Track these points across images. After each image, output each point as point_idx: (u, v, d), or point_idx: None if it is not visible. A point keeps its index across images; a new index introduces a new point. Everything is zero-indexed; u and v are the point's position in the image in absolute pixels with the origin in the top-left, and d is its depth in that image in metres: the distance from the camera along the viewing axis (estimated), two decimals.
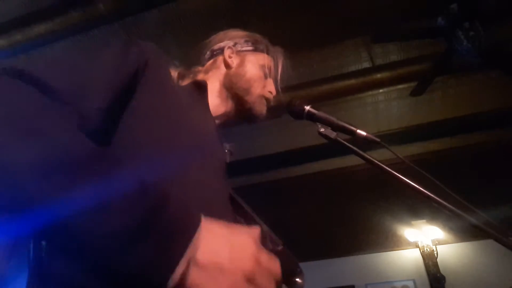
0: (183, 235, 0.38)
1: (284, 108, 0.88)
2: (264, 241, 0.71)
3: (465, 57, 2.29)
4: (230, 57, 0.86)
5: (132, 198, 0.38)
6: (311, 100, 0.84)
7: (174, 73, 0.83)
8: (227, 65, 0.86)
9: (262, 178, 4.36)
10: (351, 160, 3.96)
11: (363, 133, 0.77)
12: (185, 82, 0.84)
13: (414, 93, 2.78)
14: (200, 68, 0.88)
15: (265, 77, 0.87)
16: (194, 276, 0.37)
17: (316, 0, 2.43)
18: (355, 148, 0.74)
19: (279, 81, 0.92)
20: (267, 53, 0.89)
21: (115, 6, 2.21)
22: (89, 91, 0.50)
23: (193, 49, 0.94)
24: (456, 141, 3.83)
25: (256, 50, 0.88)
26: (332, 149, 3.66)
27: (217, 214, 0.49)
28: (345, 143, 0.76)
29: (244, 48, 0.87)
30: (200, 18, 2.50)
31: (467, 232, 3.48)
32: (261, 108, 0.86)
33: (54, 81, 0.46)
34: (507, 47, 2.38)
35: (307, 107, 0.83)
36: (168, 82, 0.64)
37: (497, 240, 0.59)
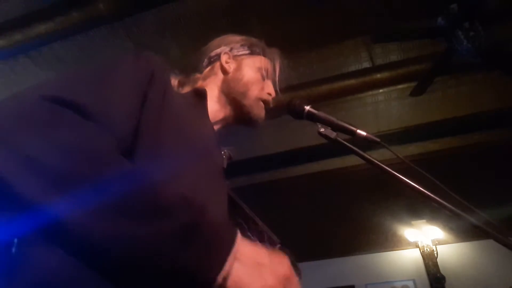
0: (226, 238, 0.43)
1: (284, 108, 0.88)
2: (262, 240, 0.72)
3: (465, 57, 2.29)
4: (227, 62, 0.87)
5: (175, 208, 0.42)
6: (311, 100, 0.84)
7: (174, 81, 0.84)
8: (224, 71, 0.86)
9: (262, 178, 4.35)
10: (351, 160, 3.96)
11: (363, 133, 0.77)
12: (185, 89, 0.85)
13: (414, 93, 2.79)
14: (198, 75, 0.89)
15: (263, 79, 0.88)
16: (240, 271, 0.41)
17: (316, 0, 2.43)
18: (355, 148, 0.74)
19: (277, 82, 0.93)
20: (264, 55, 0.89)
21: (115, 6, 2.21)
22: (116, 114, 0.51)
23: (193, 55, 0.94)
24: (456, 141, 3.83)
25: (252, 53, 0.89)
26: (332, 149, 3.66)
27: (222, 214, 0.56)
28: (345, 143, 0.76)
29: (241, 52, 0.88)
30: (200, 18, 2.50)
31: (467, 232, 3.47)
32: (259, 112, 0.86)
33: (89, 105, 0.47)
34: (507, 47, 2.38)
35: (307, 107, 0.83)
36: (170, 93, 0.65)
37: (497, 240, 0.59)
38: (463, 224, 0.64)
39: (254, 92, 0.85)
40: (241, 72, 0.86)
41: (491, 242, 0.60)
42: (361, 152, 0.73)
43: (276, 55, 0.92)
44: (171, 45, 2.69)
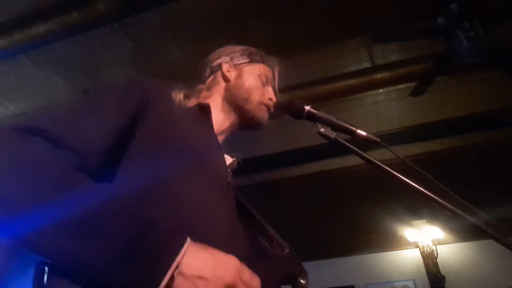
0: (168, 254, 0.45)
1: (284, 108, 0.88)
2: (271, 244, 0.75)
3: (465, 57, 2.29)
4: (228, 71, 0.90)
5: (121, 225, 0.46)
6: (311, 100, 0.84)
7: (179, 96, 0.87)
8: (226, 79, 0.90)
9: (262, 178, 4.35)
10: (351, 160, 3.96)
11: (363, 133, 0.77)
12: (191, 102, 0.89)
13: (414, 93, 2.79)
14: (202, 86, 0.92)
15: (263, 85, 0.92)
16: (179, 285, 0.44)
17: (316, 0, 2.43)
18: (355, 148, 0.74)
19: (277, 88, 0.97)
20: (263, 63, 0.94)
21: (115, 6, 2.21)
22: (88, 137, 0.56)
23: (196, 62, 0.98)
24: (456, 141, 3.83)
25: (252, 61, 0.93)
26: (332, 149, 3.66)
27: (220, 229, 0.60)
28: (345, 143, 0.76)
29: (241, 61, 0.92)
30: (200, 18, 2.50)
31: (467, 232, 3.48)
32: (262, 114, 0.90)
33: (57, 131, 0.53)
34: (507, 47, 2.38)
35: (307, 107, 0.83)
36: (171, 113, 0.69)
37: (497, 240, 0.59)
38: (463, 224, 0.64)
39: (256, 97, 0.88)
40: (242, 79, 0.89)
41: (491, 242, 0.60)
42: (361, 152, 0.73)
43: (274, 62, 0.97)
44: (171, 45, 2.69)
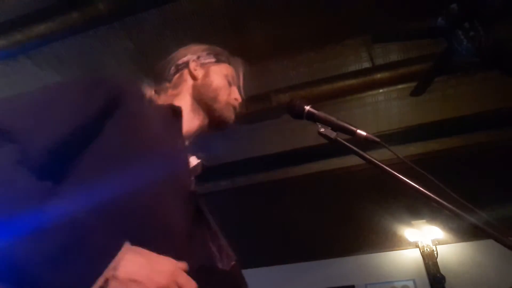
0: (103, 258, 0.45)
1: (284, 108, 0.88)
2: (220, 253, 0.74)
3: (465, 57, 2.29)
4: (195, 69, 0.91)
5: (58, 228, 0.45)
6: (311, 100, 0.84)
7: (150, 93, 0.88)
8: (194, 77, 0.90)
9: (262, 178, 4.35)
10: (351, 160, 3.96)
11: (363, 133, 0.77)
12: (161, 99, 0.88)
13: (414, 93, 2.78)
14: (168, 84, 0.92)
15: (229, 85, 0.92)
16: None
17: (316, 0, 2.43)
18: (355, 148, 0.74)
19: (242, 89, 0.98)
20: (229, 63, 0.95)
21: (115, 6, 2.21)
22: (38, 132, 0.55)
23: (157, 65, 0.99)
24: (456, 141, 3.83)
25: (218, 61, 0.93)
26: (332, 149, 3.66)
27: (176, 239, 0.60)
28: (345, 143, 0.76)
29: (207, 60, 0.92)
30: (200, 18, 2.50)
31: (467, 232, 3.48)
32: (229, 114, 0.90)
33: (5, 122, 0.53)
34: (507, 47, 2.38)
35: (307, 107, 0.82)
36: (141, 113, 0.68)
37: (497, 240, 0.59)
38: (463, 224, 0.64)
39: (224, 96, 0.89)
40: (210, 79, 0.90)
41: (491, 242, 0.60)
42: (361, 152, 0.73)
43: (239, 63, 0.98)
44: (171, 45, 2.69)
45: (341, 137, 0.78)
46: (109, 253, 0.46)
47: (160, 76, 0.93)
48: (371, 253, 3.82)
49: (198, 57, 0.92)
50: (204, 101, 0.88)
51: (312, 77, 3.07)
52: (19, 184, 0.48)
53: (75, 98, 0.61)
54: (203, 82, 0.89)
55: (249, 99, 3.10)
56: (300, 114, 0.83)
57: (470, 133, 3.71)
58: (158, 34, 2.60)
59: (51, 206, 0.47)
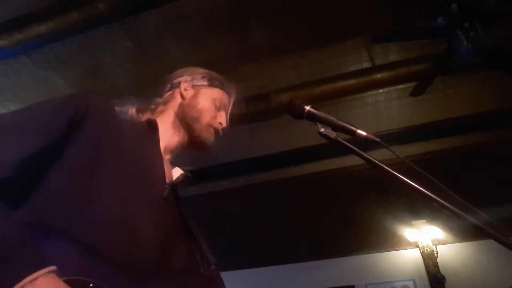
0: (17, 271, 0.46)
1: (284, 108, 0.88)
2: (202, 258, 0.77)
3: (465, 57, 2.29)
4: (186, 89, 0.94)
5: None
6: (311, 100, 0.83)
7: (131, 110, 0.92)
8: (182, 97, 0.94)
9: (262, 178, 4.35)
10: (351, 160, 3.96)
11: (363, 133, 0.77)
12: (145, 116, 0.92)
13: (414, 93, 2.78)
14: (159, 100, 0.96)
15: (217, 109, 0.94)
16: None
17: (316, 0, 2.43)
18: (355, 148, 0.74)
19: (229, 115, 1.00)
20: (221, 89, 0.97)
21: (115, 6, 2.21)
22: (1, 149, 0.58)
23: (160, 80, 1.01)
24: (456, 141, 3.83)
25: (211, 85, 0.96)
26: (332, 149, 3.66)
27: (143, 246, 0.62)
28: (345, 143, 0.76)
29: (200, 83, 0.95)
30: (200, 18, 2.50)
31: (467, 232, 3.47)
32: (208, 136, 0.92)
33: None
34: (507, 47, 2.38)
35: (307, 107, 0.82)
36: (111, 130, 0.70)
37: (497, 240, 0.59)
38: (463, 224, 0.64)
39: (206, 119, 0.91)
40: (197, 100, 0.92)
41: (491, 242, 0.60)
42: (361, 152, 0.73)
43: (233, 90, 1.00)
44: (171, 45, 2.69)
45: (341, 137, 0.77)
46: (24, 270, 0.46)
47: (158, 92, 0.97)
48: (371, 253, 3.82)
49: (192, 79, 0.96)
50: (185, 120, 0.90)
51: (312, 77, 3.07)
52: None
53: (42, 115, 0.64)
54: (190, 102, 0.92)
55: (249, 99, 3.11)
56: (300, 114, 0.83)
57: (470, 133, 3.71)
58: (158, 34, 2.60)
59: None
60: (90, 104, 0.68)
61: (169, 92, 0.96)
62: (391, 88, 3.10)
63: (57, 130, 0.63)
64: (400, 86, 3.05)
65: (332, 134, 0.77)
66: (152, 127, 0.83)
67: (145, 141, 0.79)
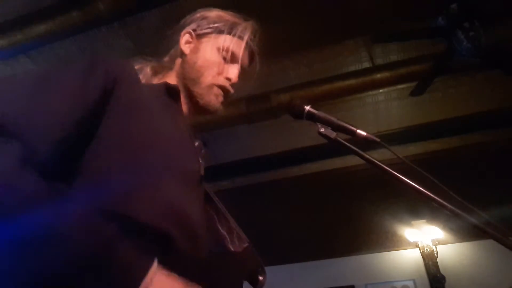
0: (136, 272, 0.40)
1: (284, 108, 0.87)
2: (231, 235, 0.71)
3: (465, 57, 2.29)
4: (188, 41, 0.79)
5: (73, 240, 0.38)
6: (311, 100, 0.83)
7: (146, 70, 0.79)
8: (182, 53, 0.79)
9: (262, 178, 4.35)
10: (351, 160, 3.95)
11: (363, 133, 0.77)
12: (158, 77, 0.79)
13: (414, 93, 2.79)
14: (166, 58, 0.82)
15: (225, 61, 0.77)
16: None
17: (316, 0, 2.43)
18: (355, 148, 0.74)
19: (247, 62, 0.83)
20: (230, 34, 0.78)
21: (115, 6, 2.21)
22: (39, 124, 0.48)
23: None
24: (456, 141, 3.83)
25: (215, 31, 0.78)
26: (332, 149, 3.66)
27: (197, 228, 0.54)
28: (345, 143, 0.76)
29: (204, 31, 0.79)
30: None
31: (467, 232, 3.47)
32: (210, 99, 0.76)
33: (3, 115, 0.45)
34: (507, 47, 2.38)
35: (307, 107, 0.82)
36: (140, 100, 0.61)
37: (497, 240, 0.59)
38: (463, 224, 0.64)
39: (207, 78, 0.75)
40: (197, 55, 0.77)
41: (491, 242, 0.60)
42: (361, 152, 0.73)
43: (247, 30, 0.80)
44: (171, 45, 2.69)
45: (341, 137, 0.78)
46: (137, 276, 0.39)
47: (166, 47, 0.83)
48: (371, 253, 3.82)
49: (197, 27, 0.79)
50: (185, 82, 0.76)
51: (312, 77, 3.07)
52: (25, 185, 0.40)
53: (73, 84, 0.54)
54: (189, 59, 0.77)
55: (249, 99, 3.11)
56: (300, 114, 0.83)
57: (470, 133, 3.71)
58: (158, 34, 2.60)
59: (64, 213, 0.40)
60: (118, 70, 0.58)
61: (173, 49, 0.82)
62: (391, 88, 3.10)
63: (93, 101, 0.53)
64: (400, 86, 3.05)
65: (332, 134, 0.77)
66: (173, 95, 0.70)
67: (170, 112, 0.68)
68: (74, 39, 2.55)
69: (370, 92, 3.15)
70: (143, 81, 0.72)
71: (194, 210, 0.58)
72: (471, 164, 3.79)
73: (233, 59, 0.78)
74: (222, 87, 0.77)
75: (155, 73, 0.80)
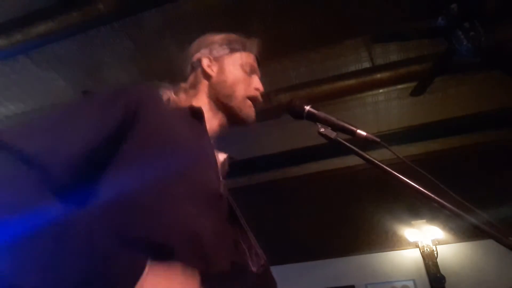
0: (125, 282, 0.44)
1: (284, 108, 0.87)
2: (250, 251, 0.73)
3: (465, 57, 2.29)
4: (208, 66, 0.85)
5: (79, 252, 0.44)
6: (311, 100, 0.83)
7: (170, 95, 0.84)
8: (208, 76, 0.85)
9: (262, 178, 4.35)
10: (351, 160, 3.96)
11: (363, 133, 0.77)
12: (181, 100, 0.84)
13: (414, 93, 2.78)
14: (185, 85, 0.88)
15: (248, 75, 0.86)
16: None
17: (316, 0, 2.43)
18: (355, 148, 0.74)
19: (259, 74, 0.91)
20: (244, 51, 0.88)
21: (115, 6, 2.21)
22: (59, 153, 0.52)
23: (178, 61, 0.93)
24: (456, 141, 3.83)
25: (232, 51, 0.87)
26: (332, 149, 3.66)
27: (205, 240, 0.56)
28: (345, 143, 0.76)
29: (221, 53, 0.86)
30: (200, 18, 2.50)
31: (467, 232, 3.48)
32: (247, 111, 0.85)
33: (24, 144, 0.51)
34: (507, 47, 2.38)
35: (307, 107, 0.82)
36: (163, 123, 0.65)
37: (497, 240, 0.59)
38: (463, 224, 0.64)
39: (241, 92, 0.84)
40: (225, 74, 0.84)
41: (491, 242, 0.60)
42: (361, 152, 0.73)
43: (254, 45, 0.90)
44: (171, 45, 2.69)
45: (341, 137, 0.77)
46: (132, 277, 0.44)
47: (180, 76, 0.90)
48: (371, 253, 3.82)
49: (211, 51, 0.86)
50: (220, 100, 0.83)
51: (312, 77, 3.07)
52: (40, 207, 0.45)
53: (93, 112, 0.59)
54: (218, 79, 0.84)
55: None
56: (300, 114, 0.83)
57: (470, 133, 3.71)
58: (158, 34, 2.60)
59: (72, 228, 0.45)
60: (139, 100, 0.63)
61: (192, 75, 0.87)
62: (391, 88, 3.10)
63: (106, 132, 0.58)
64: (400, 86, 3.05)
65: (332, 134, 0.77)
66: (198, 115, 0.75)
67: (194, 132, 0.72)
68: (74, 39, 2.55)
69: (370, 92, 3.15)
70: (167, 106, 0.78)
71: (208, 229, 0.59)
72: (471, 164, 3.79)
73: (252, 71, 0.87)
74: (253, 98, 0.86)
75: (176, 94, 0.86)
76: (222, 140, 0.89)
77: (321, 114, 0.81)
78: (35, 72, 2.88)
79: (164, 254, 0.50)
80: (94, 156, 0.55)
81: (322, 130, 0.78)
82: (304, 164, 4.15)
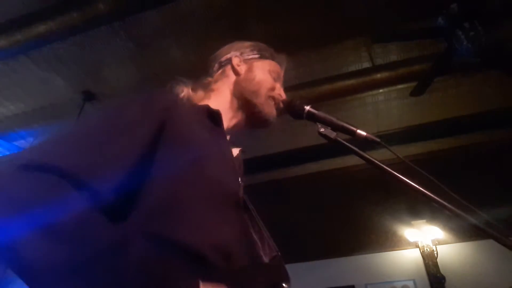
0: None
1: (284, 108, 0.88)
2: (262, 243, 0.72)
3: (465, 57, 2.29)
4: (238, 65, 0.89)
5: (133, 277, 0.44)
6: (311, 100, 0.83)
7: (187, 91, 0.85)
8: (236, 73, 0.89)
9: (263, 178, 4.35)
10: (351, 160, 3.96)
11: (363, 133, 0.76)
12: (198, 96, 0.87)
13: (414, 93, 2.78)
14: (210, 79, 0.91)
15: (274, 81, 0.90)
16: None
17: (317, 0, 2.43)
18: (355, 148, 0.74)
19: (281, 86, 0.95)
20: (273, 60, 0.92)
21: (115, 6, 2.21)
22: (101, 169, 0.53)
23: (195, 57, 0.97)
24: (456, 141, 3.83)
25: (262, 57, 0.92)
26: (332, 149, 3.66)
27: (228, 244, 0.57)
28: (345, 143, 0.75)
29: (251, 56, 0.91)
30: (200, 18, 2.50)
31: (467, 232, 3.48)
32: (270, 110, 0.87)
33: (67, 166, 0.50)
34: (507, 47, 2.38)
35: (307, 107, 0.82)
36: (188, 131, 0.67)
37: (497, 240, 0.59)
38: (463, 224, 0.64)
39: (265, 91, 0.86)
40: (253, 73, 0.88)
41: (491, 242, 0.60)
42: (361, 152, 0.73)
43: (283, 60, 0.95)
44: (171, 45, 2.69)
45: (341, 137, 0.77)
46: None
47: (205, 74, 0.93)
48: (371, 253, 3.82)
49: (241, 53, 0.91)
50: (244, 96, 0.86)
51: (312, 77, 3.07)
52: (97, 232, 0.46)
53: (126, 128, 0.59)
54: (246, 76, 0.88)
55: None
56: (300, 114, 0.83)
57: (470, 133, 3.71)
58: (158, 34, 2.60)
59: (129, 252, 0.46)
60: (169, 107, 0.65)
61: (220, 71, 0.91)
62: (391, 88, 3.10)
63: (145, 145, 0.58)
64: (400, 86, 3.05)
65: (332, 134, 0.77)
66: (215, 118, 0.75)
67: (213, 134, 0.73)
68: (74, 39, 2.56)
69: (370, 92, 3.15)
70: (186, 102, 0.80)
71: (230, 232, 0.61)
72: (471, 164, 3.80)
73: (277, 79, 0.91)
74: (276, 99, 0.88)
75: (194, 91, 0.88)
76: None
77: (321, 114, 0.80)
78: (35, 72, 2.89)
79: (197, 262, 0.51)
80: (135, 172, 0.56)
81: (322, 130, 0.78)
82: (304, 164, 4.16)
